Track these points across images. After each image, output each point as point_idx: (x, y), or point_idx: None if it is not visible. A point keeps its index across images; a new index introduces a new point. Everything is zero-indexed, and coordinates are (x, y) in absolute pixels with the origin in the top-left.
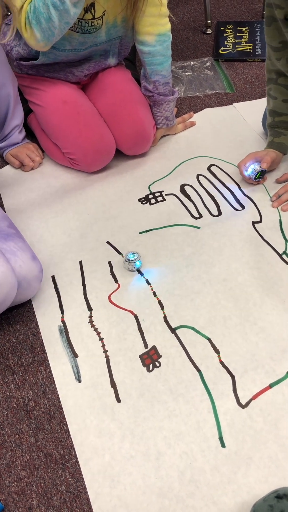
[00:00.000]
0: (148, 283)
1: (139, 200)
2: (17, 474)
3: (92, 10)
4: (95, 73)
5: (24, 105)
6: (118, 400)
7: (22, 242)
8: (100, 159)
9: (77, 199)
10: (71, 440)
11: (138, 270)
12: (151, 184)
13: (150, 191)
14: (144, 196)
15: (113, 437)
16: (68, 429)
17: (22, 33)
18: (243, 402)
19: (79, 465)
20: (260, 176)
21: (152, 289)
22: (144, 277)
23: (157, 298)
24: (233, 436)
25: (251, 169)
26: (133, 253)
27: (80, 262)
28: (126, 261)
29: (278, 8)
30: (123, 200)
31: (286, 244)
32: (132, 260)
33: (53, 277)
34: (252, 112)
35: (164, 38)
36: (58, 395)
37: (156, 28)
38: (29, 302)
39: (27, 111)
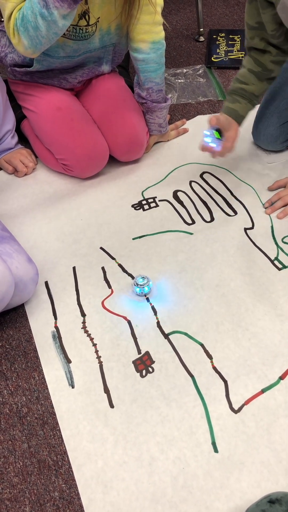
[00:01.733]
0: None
1: (132, 206)
2: (9, 481)
3: (87, 17)
4: (89, 80)
5: (18, 111)
6: (111, 405)
7: (17, 245)
8: (93, 165)
9: (70, 205)
10: (64, 446)
11: (147, 298)
12: (144, 190)
13: (143, 197)
14: (137, 202)
15: (106, 442)
16: (61, 435)
17: (11, 39)
18: (236, 407)
19: (72, 471)
20: (211, 136)
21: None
22: (150, 302)
23: (150, 303)
24: (226, 441)
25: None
26: (143, 277)
27: (74, 268)
28: (135, 285)
29: None
30: (116, 206)
31: (277, 250)
32: (141, 285)
33: (46, 283)
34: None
35: (158, 46)
36: (51, 401)
37: (150, 36)
38: (22, 308)
39: (21, 117)
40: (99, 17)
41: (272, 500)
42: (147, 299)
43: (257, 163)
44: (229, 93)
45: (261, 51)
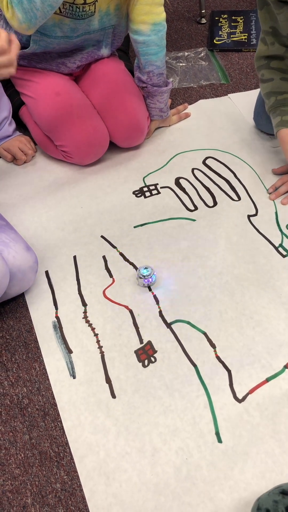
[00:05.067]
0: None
1: (133, 193)
2: (11, 473)
3: None
4: (88, 65)
5: (16, 98)
6: (113, 396)
7: (14, 233)
8: (93, 152)
9: (70, 192)
10: (66, 437)
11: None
12: (145, 176)
13: (145, 183)
14: (138, 188)
15: (108, 433)
16: (62, 426)
17: (4, 12)
18: (240, 396)
19: (74, 463)
20: None
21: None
22: (152, 291)
23: (152, 292)
24: (230, 431)
25: None
26: (146, 268)
27: (74, 257)
28: (140, 277)
29: None
30: (117, 193)
31: (282, 237)
32: (146, 276)
33: (46, 272)
34: (247, 102)
35: (159, 28)
36: (52, 392)
37: (151, 17)
38: (22, 298)
39: (19, 104)
40: None
41: (285, 491)
42: (149, 288)
43: (261, 147)
44: (273, 109)
45: (281, 58)
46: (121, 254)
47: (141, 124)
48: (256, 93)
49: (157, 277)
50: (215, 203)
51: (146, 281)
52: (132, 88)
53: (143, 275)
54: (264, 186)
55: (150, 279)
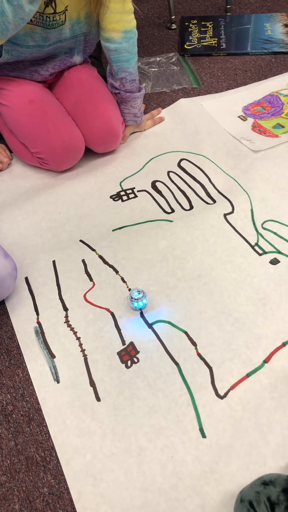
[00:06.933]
0: (124, 281)
1: (110, 197)
2: None
3: (53, 4)
4: (61, 72)
5: None
6: (98, 399)
7: None
8: (69, 158)
9: (47, 199)
10: (52, 442)
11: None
12: (122, 181)
13: (122, 188)
14: (115, 193)
15: (94, 436)
16: (48, 431)
17: None
18: (222, 393)
19: (60, 466)
20: None
21: (127, 286)
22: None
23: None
24: (213, 426)
25: None
26: (139, 291)
27: (54, 262)
28: (131, 299)
29: None
30: (94, 197)
31: (257, 236)
32: (136, 299)
33: (26, 279)
34: (218, 107)
35: (130, 35)
36: (36, 397)
37: (122, 25)
38: (3, 305)
39: None
40: (67, 6)
41: (266, 482)
42: (130, 289)
43: (233, 150)
44: None
45: None
46: (101, 257)
47: (116, 129)
48: (227, 95)
49: (138, 279)
50: (191, 207)
51: (138, 304)
52: (106, 94)
53: (133, 298)
54: (240, 185)
55: (141, 303)
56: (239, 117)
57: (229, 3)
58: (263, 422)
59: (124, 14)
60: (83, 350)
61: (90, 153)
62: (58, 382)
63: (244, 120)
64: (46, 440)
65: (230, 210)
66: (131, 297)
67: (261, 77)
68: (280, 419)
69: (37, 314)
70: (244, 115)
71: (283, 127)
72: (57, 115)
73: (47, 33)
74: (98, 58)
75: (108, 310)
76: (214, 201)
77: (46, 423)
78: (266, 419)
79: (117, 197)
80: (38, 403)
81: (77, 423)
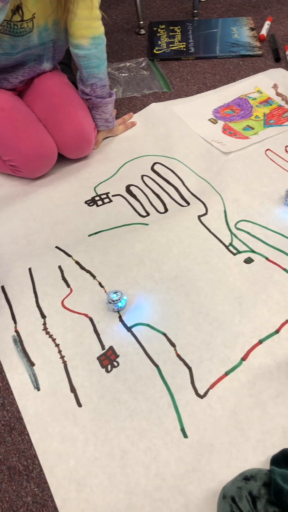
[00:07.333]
0: (101, 286)
1: (85, 202)
2: None
3: (20, 12)
4: (31, 79)
5: None
6: (79, 404)
7: None
8: (42, 165)
9: (22, 206)
10: (34, 450)
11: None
12: (96, 186)
13: (96, 193)
14: (90, 198)
15: (76, 441)
16: (30, 439)
17: None
18: (201, 392)
19: (43, 474)
20: None
21: (105, 291)
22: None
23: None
24: (194, 425)
25: None
26: (115, 292)
27: (30, 269)
28: (110, 302)
29: None
30: (69, 203)
31: (231, 237)
32: (114, 301)
33: (2, 287)
34: (188, 111)
35: (98, 41)
36: (17, 406)
37: (90, 31)
38: None
39: None
40: (34, 13)
41: (247, 477)
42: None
43: (205, 153)
44: None
45: None
46: (77, 263)
47: (88, 134)
48: (196, 99)
49: (115, 282)
50: (166, 210)
51: (116, 306)
52: (76, 100)
53: (112, 300)
54: (212, 187)
55: (119, 304)
56: (209, 120)
57: (196, 8)
58: (243, 419)
59: (92, 20)
60: (62, 357)
61: (63, 159)
62: (38, 389)
63: (214, 123)
64: (28, 448)
65: (204, 211)
66: (110, 300)
67: (230, 79)
68: (259, 415)
69: (15, 322)
70: (214, 118)
71: (252, 128)
72: (29, 122)
73: (15, 41)
74: (68, 65)
75: (86, 315)
76: (188, 204)
77: (27, 432)
78: (245, 416)
79: (92, 202)
80: (19, 412)
81: (59, 430)
